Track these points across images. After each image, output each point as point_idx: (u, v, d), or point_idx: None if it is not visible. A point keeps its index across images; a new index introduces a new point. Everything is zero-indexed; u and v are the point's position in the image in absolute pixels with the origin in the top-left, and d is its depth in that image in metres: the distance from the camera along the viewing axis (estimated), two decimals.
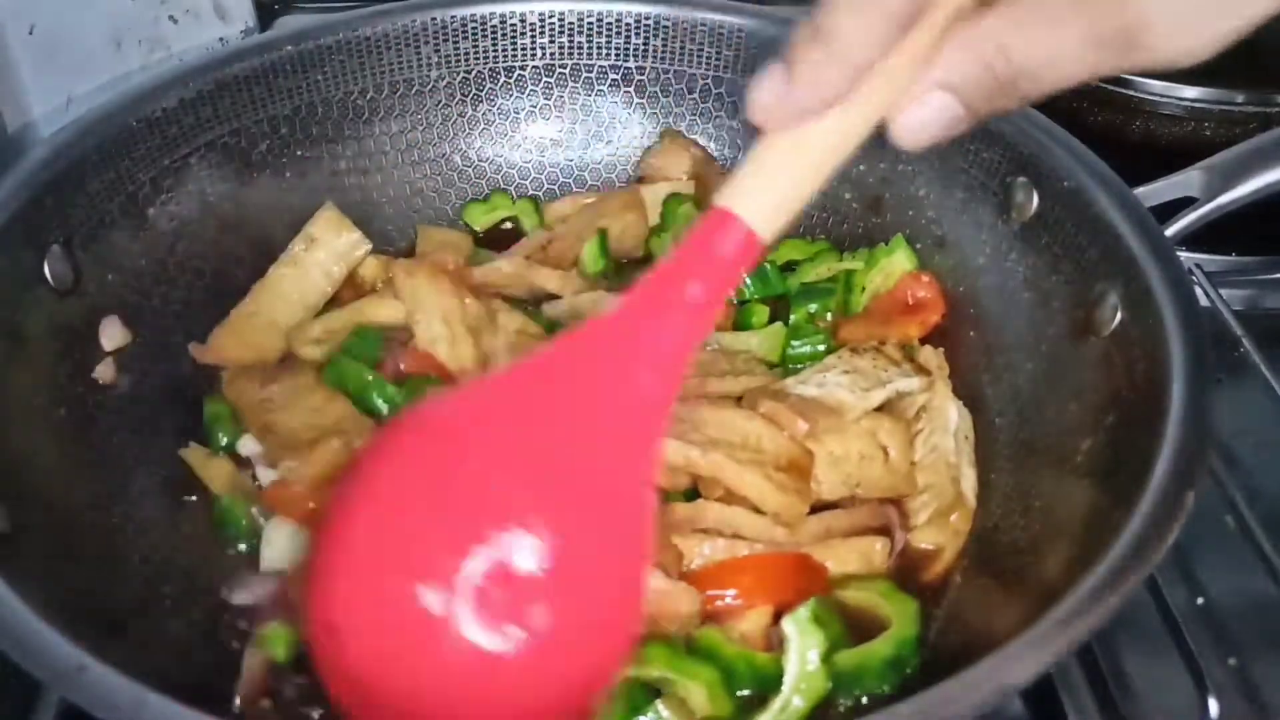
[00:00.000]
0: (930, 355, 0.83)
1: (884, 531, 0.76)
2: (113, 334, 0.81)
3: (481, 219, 1.00)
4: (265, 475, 0.79)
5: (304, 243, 0.89)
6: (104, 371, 0.79)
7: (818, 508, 0.76)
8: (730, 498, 0.74)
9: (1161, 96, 1.04)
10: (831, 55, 0.48)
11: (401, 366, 0.82)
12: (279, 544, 0.76)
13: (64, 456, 0.74)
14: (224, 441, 0.81)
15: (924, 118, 0.50)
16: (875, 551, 0.74)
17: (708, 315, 0.55)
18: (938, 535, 0.76)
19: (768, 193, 0.52)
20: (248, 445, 0.81)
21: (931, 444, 0.78)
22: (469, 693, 0.52)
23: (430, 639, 0.51)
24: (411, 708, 0.52)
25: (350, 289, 0.91)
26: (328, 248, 0.89)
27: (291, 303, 0.88)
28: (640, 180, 1.00)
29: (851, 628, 0.70)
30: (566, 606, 0.52)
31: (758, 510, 0.73)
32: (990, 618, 0.68)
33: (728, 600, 0.71)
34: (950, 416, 0.80)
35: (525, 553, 0.50)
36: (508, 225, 1.00)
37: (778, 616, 0.70)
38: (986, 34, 0.48)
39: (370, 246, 0.91)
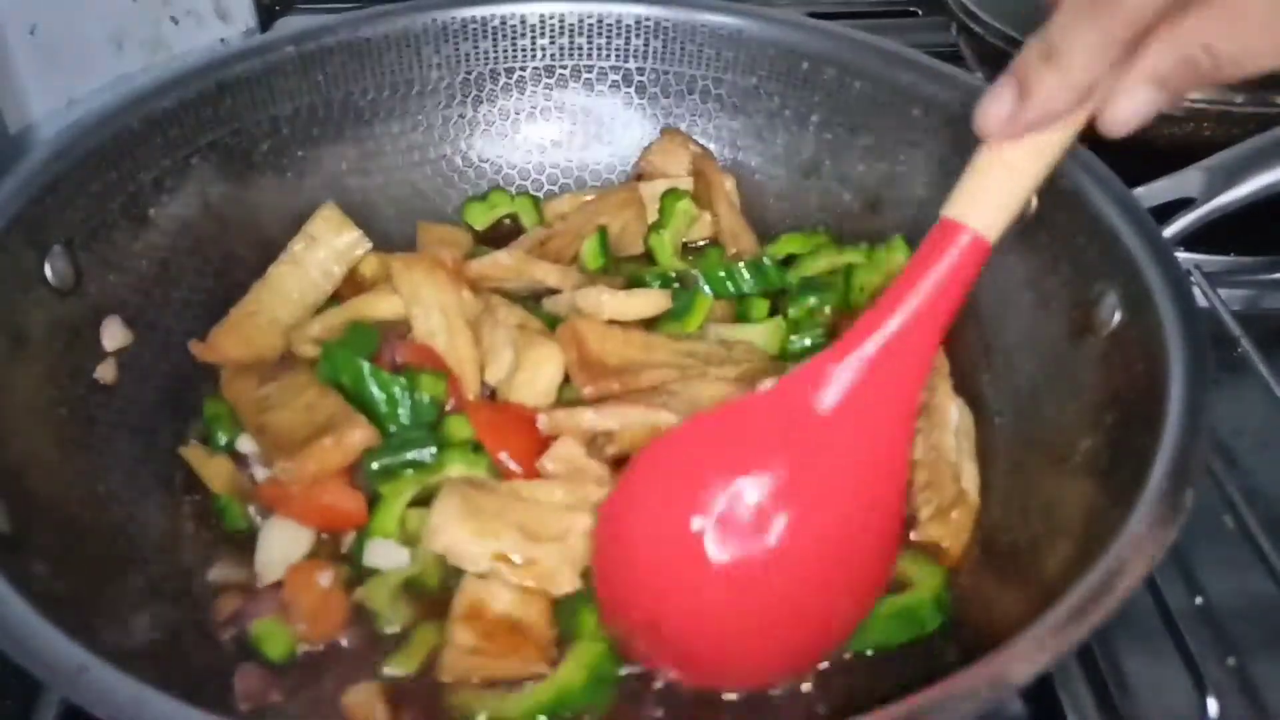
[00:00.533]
0: None
1: None
2: (114, 334, 0.81)
3: (481, 218, 1.00)
4: (261, 474, 0.79)
5: (304, 241, 0.89)
6: (105, 371, 0.80)
7: None
8: None
9: None
10: (1064, 77, 0.52)
11: (398, 359, 0.81)
12: (275, 542, 0.76)
13: (64, 456, 0.74)
14: (224, 440, 0.81)
15: (1133, 109, 0.53)
16: None
17: (947, 314, 0.62)
18: (939, 531, 0.76)
19: (992, 200, 0.59)
20: (246, 443, 0.81)
21: (932, 442, 0.78)
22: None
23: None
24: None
25: (351, 288, 0.90)
26: (328, 246, 0.89)
27: (291, 301, 0.88)
28: (639, 177, 1.00)
29: None
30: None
31: None
32: (990, 617, 0.68)
33: None
34: (950, 415, 0.80)
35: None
36: (508, 226, 1.00)
37: None
38: (1190, 33, 0.50)
39: (370, 245, 0.91)
